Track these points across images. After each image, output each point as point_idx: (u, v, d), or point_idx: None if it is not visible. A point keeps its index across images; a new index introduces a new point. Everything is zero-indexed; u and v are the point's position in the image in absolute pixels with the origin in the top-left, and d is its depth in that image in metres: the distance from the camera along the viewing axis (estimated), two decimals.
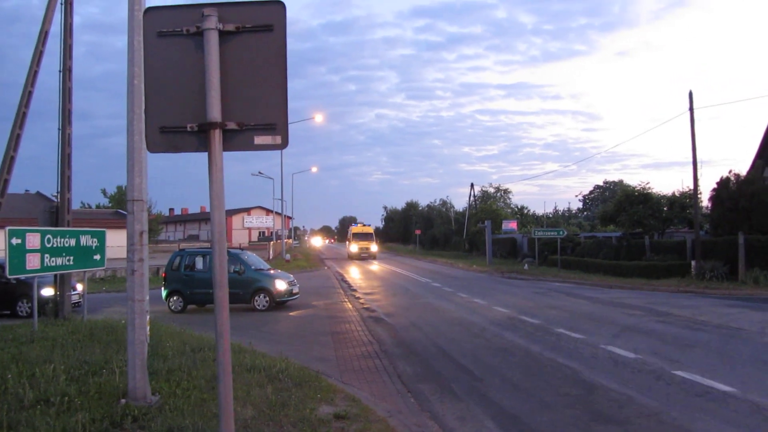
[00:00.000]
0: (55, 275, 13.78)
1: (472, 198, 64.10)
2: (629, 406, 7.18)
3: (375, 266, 42.69)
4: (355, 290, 24.13)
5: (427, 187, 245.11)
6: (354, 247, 54.90)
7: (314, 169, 75.45)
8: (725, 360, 9.65)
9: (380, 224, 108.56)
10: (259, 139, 3.31)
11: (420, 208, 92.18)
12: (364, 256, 53.57)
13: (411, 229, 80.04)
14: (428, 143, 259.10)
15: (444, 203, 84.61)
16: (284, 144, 3.30)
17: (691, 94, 25.35)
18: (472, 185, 64.12)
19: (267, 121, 3.29)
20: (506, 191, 68.42)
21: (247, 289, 17.59)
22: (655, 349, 10.58)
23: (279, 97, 3.31)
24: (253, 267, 18.22)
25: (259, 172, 59.47)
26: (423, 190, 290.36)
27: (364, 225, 59.83)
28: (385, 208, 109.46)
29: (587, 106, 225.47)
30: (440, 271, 36.52)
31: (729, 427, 6.35)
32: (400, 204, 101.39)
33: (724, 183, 25.18)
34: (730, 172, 25.48)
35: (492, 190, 68.33)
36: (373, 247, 55.19)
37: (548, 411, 7.15)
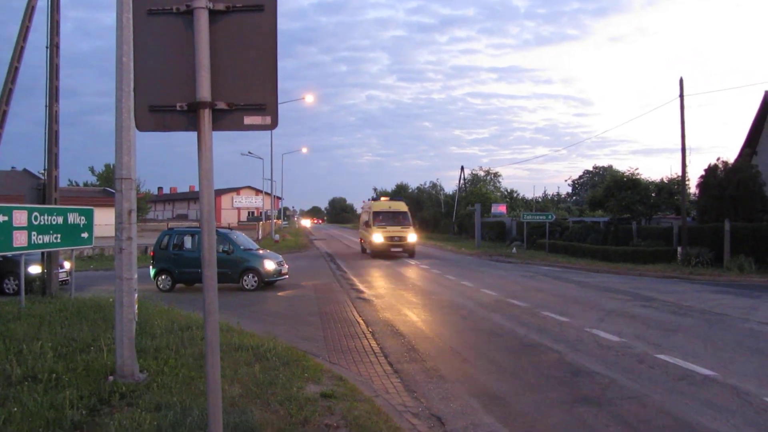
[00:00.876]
0: (43, 253, 13.71)
1: (462, 181, 64.17)
2: (612, 389, 7.30)
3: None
4: (344, 271, 24.19)
5: (417, 170, 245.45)
6: (379, 237, 31.12)
7: (305, 150, 75.25)
8: (708, 345, 9.81)
9: None
10: (248, 119, 3.30)
11: (410, 191, 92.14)
12: (395, 251, 31.48)
13: None
14: (419, 125, 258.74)
15: (434, 186, 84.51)
16: (274, 124, 3.30)
17: (681, 81, 25.43)
18: (462, 168, 64.18)
19: (257, 101, 3.29)
20: (496, 175, 68.68)
21: (235, 269, 17.59)
22: (639, 333, 10.74)
23: (269, 78, 3.30)
24: (242, 247, 18.21)
25: (249, 152, 58.87)
26: (413, 173, 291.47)
27: (393, 199, 38.73)
28: (375, 189, 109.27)
29: (579, 91, 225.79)
30: (429, 253, 36.60)
31: (709, 409, 6.48)
32: (390, 186, 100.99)
33: (711, 170, 25.37)
34: (718, 159, 25.68)
35: (482, 174, 68.50)
36: (411, 237, 31.80)
37: (533, 392, 7.26)
